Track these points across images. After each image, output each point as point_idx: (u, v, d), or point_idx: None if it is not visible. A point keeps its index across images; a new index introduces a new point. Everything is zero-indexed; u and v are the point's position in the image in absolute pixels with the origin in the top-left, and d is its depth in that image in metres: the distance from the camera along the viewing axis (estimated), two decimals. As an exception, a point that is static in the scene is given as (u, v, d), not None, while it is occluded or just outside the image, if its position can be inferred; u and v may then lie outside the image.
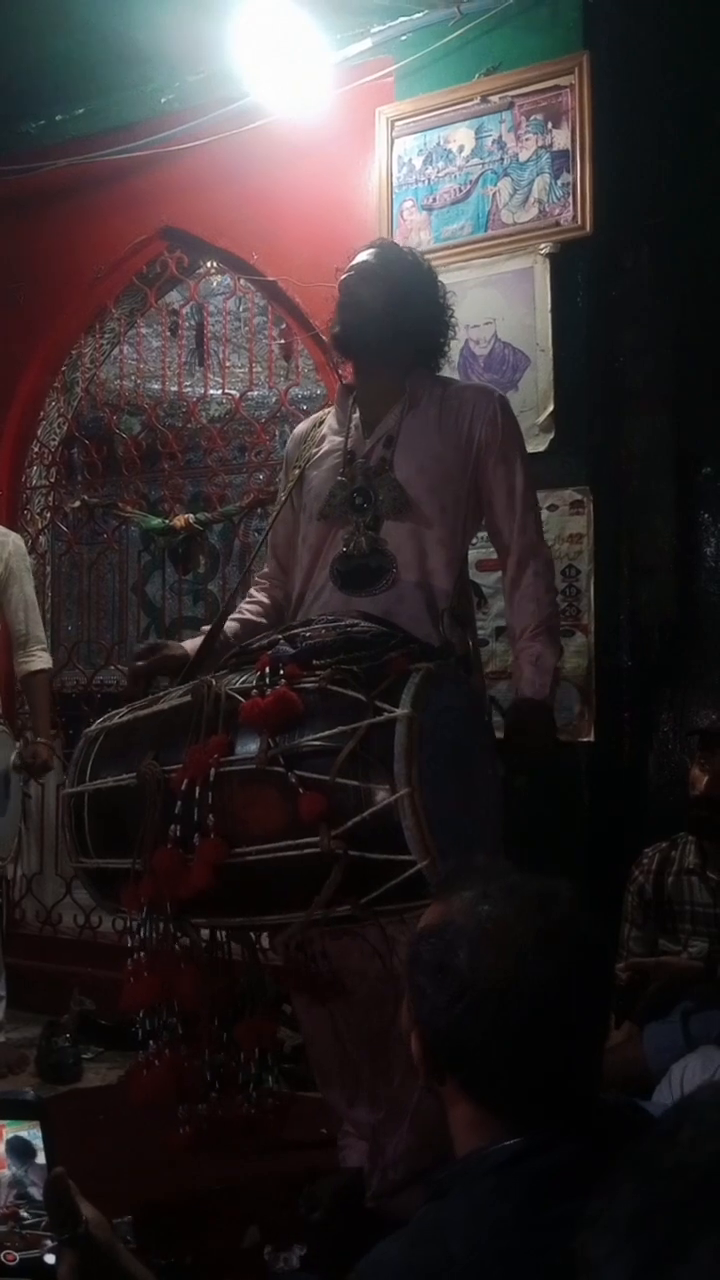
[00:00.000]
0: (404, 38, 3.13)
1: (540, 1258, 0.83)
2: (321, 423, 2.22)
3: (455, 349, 2.92)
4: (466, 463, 2.07)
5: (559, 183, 2.90)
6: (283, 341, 4.42)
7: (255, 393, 4.64)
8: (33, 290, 3.86)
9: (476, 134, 3.03)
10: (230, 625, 2.16)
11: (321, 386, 3.93)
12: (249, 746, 1.72)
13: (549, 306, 2.88)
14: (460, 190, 3.06)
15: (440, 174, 3.09)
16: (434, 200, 3.10)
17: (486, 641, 2.74)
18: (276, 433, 4.62)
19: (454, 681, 1.82)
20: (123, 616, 4.90)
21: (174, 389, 5.11)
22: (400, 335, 2.09)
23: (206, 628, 2.21)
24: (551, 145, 2.92)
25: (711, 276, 2.89)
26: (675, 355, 2.92)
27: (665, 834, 2.34)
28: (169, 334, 5.10)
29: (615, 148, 2.90)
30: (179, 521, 3.86)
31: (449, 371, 2.64)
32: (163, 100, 3.57)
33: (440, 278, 2.21)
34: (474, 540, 2.23)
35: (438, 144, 3.09)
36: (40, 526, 4.08)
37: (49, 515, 4.09)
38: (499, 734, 2.03)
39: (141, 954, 1.77)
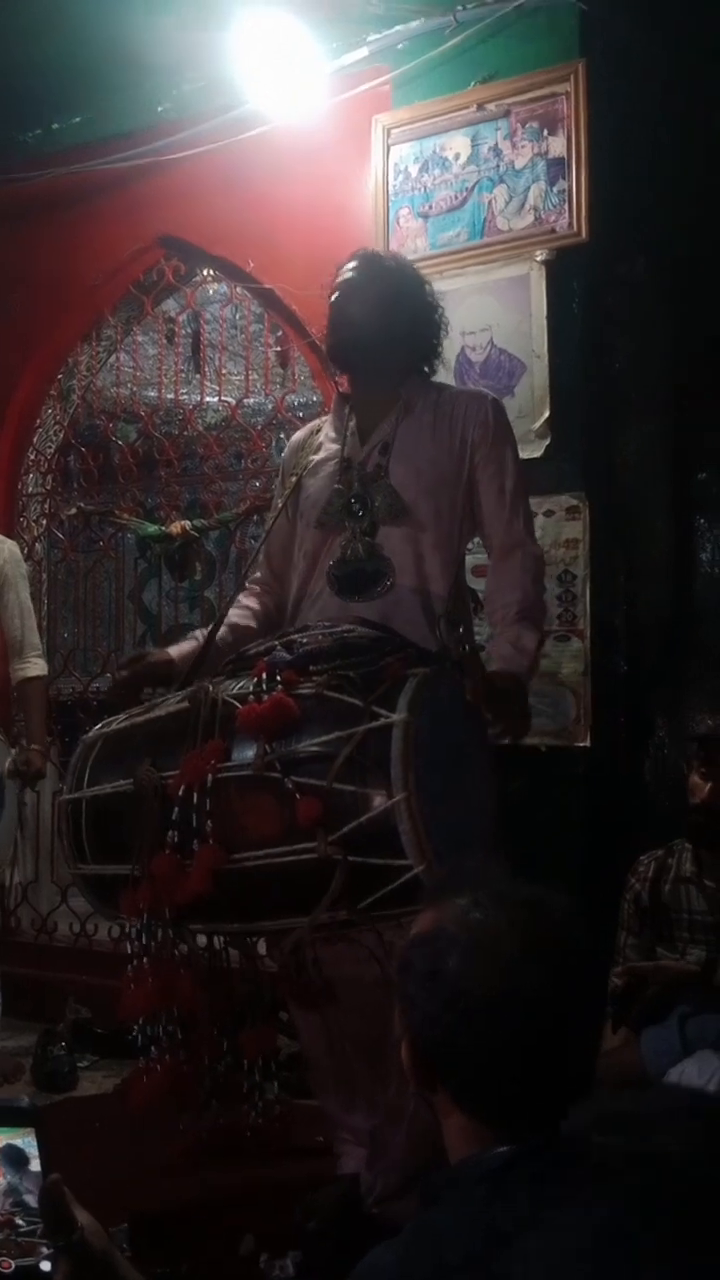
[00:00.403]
0: (400, 46, 3.14)
1: (533, 1264, 0.83)
2: (318, 431, 2.23)
3: (451, 355, 2.94)
4: (460, 466, 2.08)
5: (555, 190, 2.91)
6: (279, 349, 4.44)
7: (251, 400, 4.65)
8: (30, 298, 3.86)
9: (472, 142, 3.04)
10: (220, 632, 2.16)
11: (318, 393, 3.94)
12: (246, 752, 1.72)
13: (545, 313, 2.89)
14: (456, 197, 3.07)
15: (436, 181, 3.10)
16: (430, 207, 3.11)
17: (483, 647, 2.74)
18: (273, 440, 4.63)
19: (450, 686, 1.82)
20: (119, 623, 4.90)
21: (170, 396, 5.13)
22: (393, 344, 2.10)
23: (195, 633, 2.20)
24: (547, 153, 2.93)
25: (707, 283, 2.90)
26: (670, 361, 2.93)
27: (661, 839, 2.34)
28: (166, 342, 5.12)
29: (611, 156, 2.91)
30: (175, 528, 3.86)
31: (445, 377, 2.65)
32: (160, 109, 3.57)
33: (436, 284, 2.22)
34: (470, 546, 2.23)
35: (434, 151, 3.10)
36: (36, 534, 4.08)
37: (45, 522, 4.09)
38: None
39: (140, 960, 1.77)
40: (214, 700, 1.80)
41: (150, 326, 4.80)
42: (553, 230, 2.91)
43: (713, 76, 2.92)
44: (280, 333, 3.88)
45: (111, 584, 4.95)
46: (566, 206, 2.89)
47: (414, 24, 3.09)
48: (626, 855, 2.41)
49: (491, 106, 3.00)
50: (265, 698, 1.72)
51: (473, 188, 3.04)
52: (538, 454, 2.82)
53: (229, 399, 4.85)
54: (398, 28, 3.12)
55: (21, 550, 3.46)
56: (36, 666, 3.21)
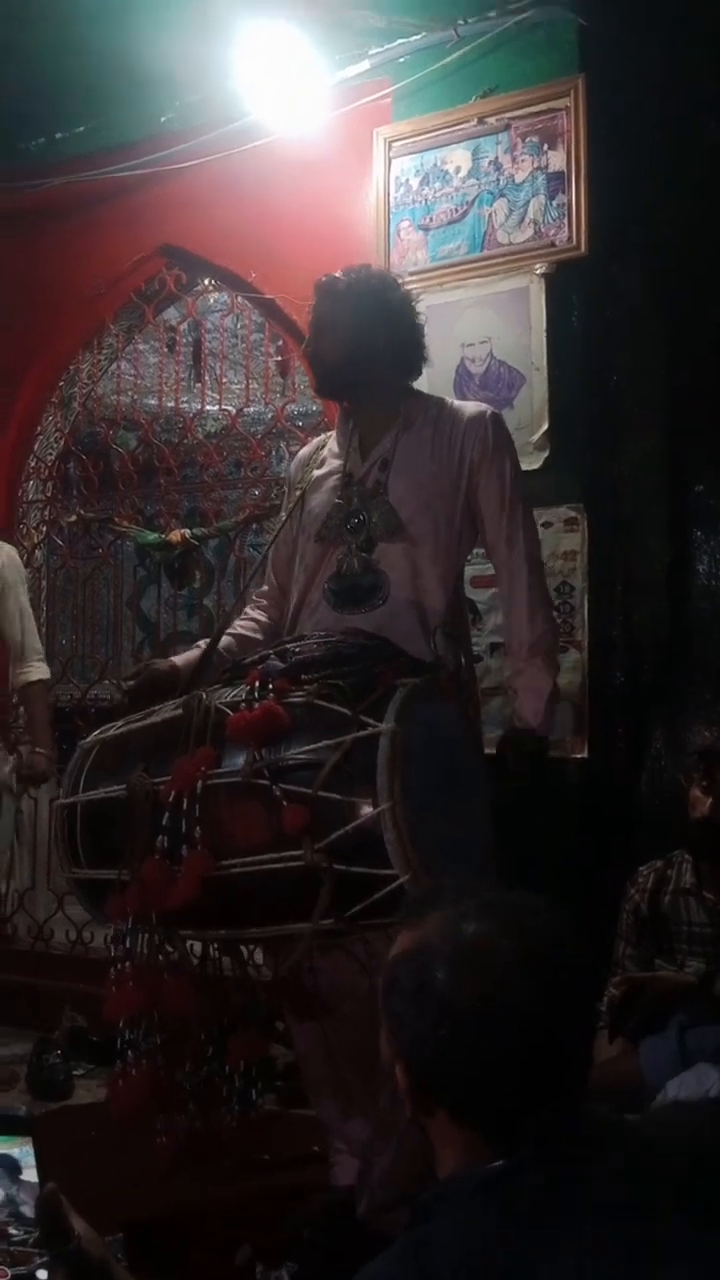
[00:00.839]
0: (402, 60, 3.16)
1: (527, 1277, 0.82)
2: (323, 446, 2.26)
3: (451, 367, 2.96)
4: (459, 481, 2.09)
5: (554, 204, 2.93)
6: (279, 358, 4.45)
7: (252, 409, 4.67)
8: (32, 305, 3.87)
9: (473, 155, 3.06)
10: (225, 640, 2.18)
11: (318, 403, 3.96)
12: (236, 759, 1.73)
13: (544, 326, 2.90)
14: (457, 210, 3.08)
15: (437, 194, 3.12)
16: (430, 220, 3.12)
17: (481, 658, 2.75)
18: (272, 449, 4.65)
19: (440, 696, 1.82)
20: (117, 631, 4.91)
21: (171, 405, 5.14)
22: (371, 368, 2.12)
23: (200, 642, 2.22)
24: (547, 167, 2.95)
25: (705, 297, 2.91)
26: (669, 375, 2.95)
27: (658, 851, 2.34)
28: (166, 350, 5.14)
29: (610, 170, 2.93)
30: (175, 536, 3.87)
31: (445, 389, 2.66)
32: (163, 119, 3.59)
33: (436, 296, 2.24)
34: (470, 557, 2.24)
35: (435, 165, 3.12)
36: (36, 541, 4.08)
37: (45, 529, 4.10)
38: (492, 750, 2.03)
39: (125, 964, 1.77)
40: (207, 707, 1.81)
41: (151, 335, 4.82)
42: (552, 244, 2.92)
43: (711, 91, 2.93)
44: (280, 342, 3.90)
45: (110, 591, 4.97)
46: (566, 220, 2.91)
47: (416, 38, 3.11)
48: (623, 866, 2.41)
49: (492, 120, 3.02)
50: (256, 705, 1.73)
51: (473, 201, 3.06)
52: (536, 466, 2.83)
53: (229, 408, 4.87)
54: (399, 41, 3.14)
55: (21, 557, 3.46)
56: (39, 670, 3.21)
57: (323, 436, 2.33)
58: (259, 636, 2.21)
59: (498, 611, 2.76)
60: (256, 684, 1.78)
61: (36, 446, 4.06)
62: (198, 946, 1.96)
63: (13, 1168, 1.04)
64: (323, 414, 3.59)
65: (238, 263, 3.52)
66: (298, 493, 2.21)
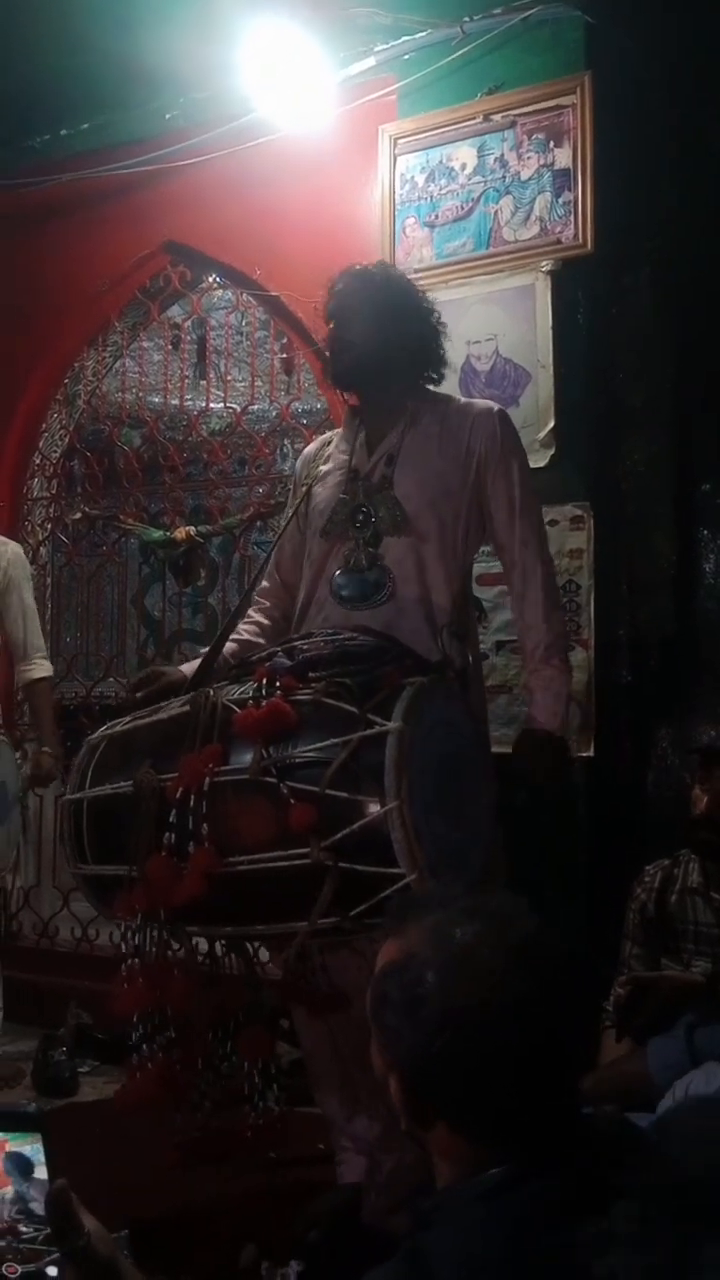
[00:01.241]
0: (407, 56, 3.15)
1: None
2: (330, 442, 2.26)
3: (457, 364, 2.95)
4: (466, 478, 2.08)
5: (560, 201, 2.92)
6: (284, 356, 4.45)
7: (256, 406, 4.66)
8: (36, 302, 3.87)
9: (479, 152, 3.06)
10: (228, 646, 2.17)
11: (322, 401, 3.95)
12: (243, 757, 1.73)
13: (550, 323, 2.90)
14: (462, 208, 3.08)
15: (442, 191, 3.11)
16: (436, 217, 3.12)
17: (487, 655, 2.75)
18: (277, 446, 4.65)
19: (447, 695, 1.82)
20: (122, 628, 4.91)
21: (175, 402, 5.14)
22: (394, 358, 2.11)
23: (205, 650, 2.22)
24: (553, 164, 2.94)
25: (712, 295, 2.90)
26: (675, 372, 2.94)
27: (665, 849, 2.34)
28: (171, 347, 5.13)
29: (616, 167, 2.92)
30: (179, 534, 3.87)
31: (450, 385, 2.66)
32: (167, 117, 3.59)
33: (441, 294, 2.24)
34: (476, 554, 2.24)
35: (440, 162, 3.11)
36: (41, 538, 4.09)
37: (50, 527, 4.10)
38: (500, 749, 2.03)
39: (134, 961, 1.77)
40: (214, 705, 1.81)
41: (156, 332, 4.82)
42: (558, 241, 2.92)
43: (717, 88, 2.93)
44: (285, 339, 3.90)
45: (115, 589, 4.97)
46: (572, 217, 2.90)
47: (421, 35, 3.10)
48: (629, 865, 2.41)
49: (498, 117, 3.01)
50: (263, 703, 1.73)
51: (479, 198, 3.05)
52: (542, 463, 2.82)
53: (234, 405, 4.87)
54: (405, 38, 3.14)
55: (26, 554, 3.46)
56: (42, 668, 3.21)
57: (329, 433, 2.33)
58: (261, 640, 2.21)
59: (503, 609, 2.76)
60: (264, 681, 1.77)
61: (41, 444, 4.06)
62: (205, 944, 1.96)
63: (25, 1165, 1.04)
64: (327, 411, 3.59)
65: (242, 260, 3.52)
66: (303, 489, 2.20)
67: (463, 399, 2.28)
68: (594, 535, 2.83)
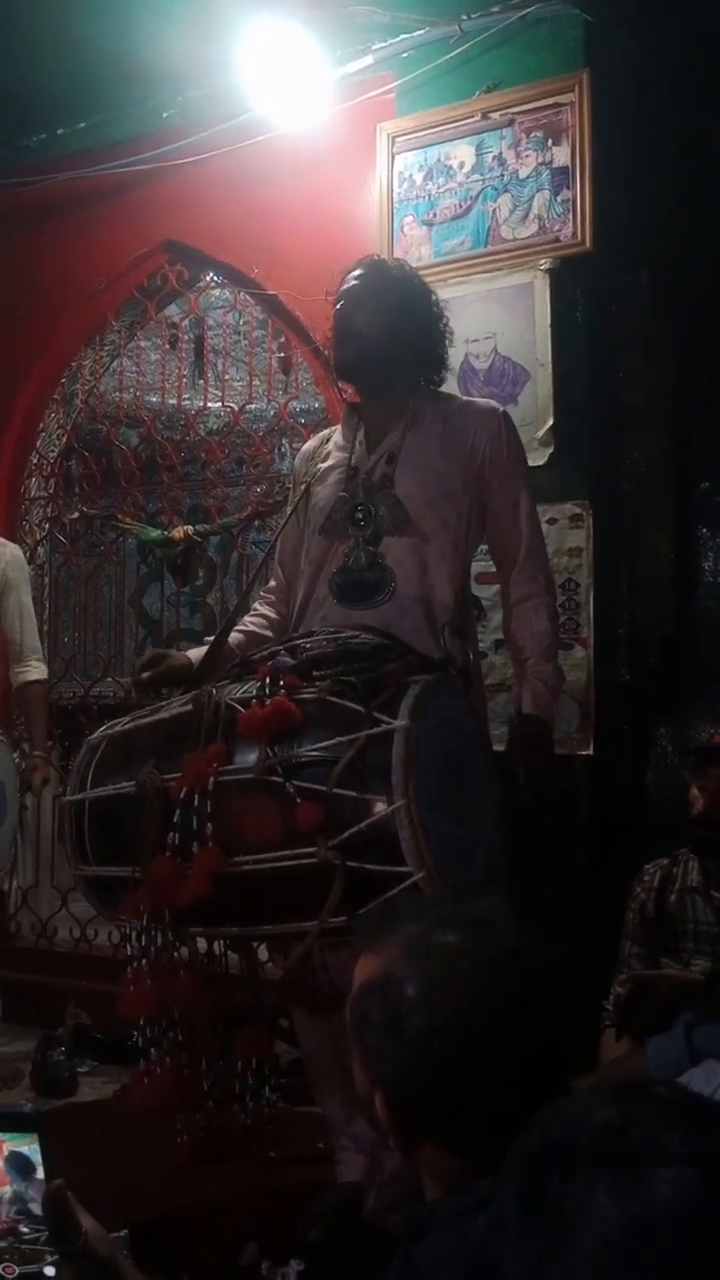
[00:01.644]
0: (405, 55, 3.15)
1: None
2: (328, 440, 2.25)
3: (456, 362, 2.93)
4: (468, 478, 2.08)
5: (559, 199, 2.92)
6: (282, 355, 4.44)
7: (254, 406, 4.66)
8: (34, 302, 3.87)
9: (477, 150, 3.05)
10: (235, 637, 2.17)
11: (321, 400, 3.95)
12: (248, 756, 1.72)
13: (549, 321, 2.89)
14: (461, 206, 3.08)
15: (441, 190, 3.11)
16: (434, 215, 3.11)
17: (486, 654, 2.74)
18: (275, 446, 4.65)
19: (452, 694, 1.82)
20: (120, 628, 4.91)
21: (173, 401, 5.15)
22: (400, 354, 2.10)
23: (210, 638, 2.21)
24: (552, 162, 2.94)
25: (712, 295, 2.90)
26: (674, 371, 2.94)
27: (664, 848, 2.34)
28: (169, 347, 5.13)
29: (615, 165, 2.92)
30: (177, 533, 3.87)
31: (449, 384, 2.65)
32: (165, 115, 3.58)
33: (440, 292, 2.23)
34: (475, 553, 2.24)
35: (438, 160, 3.11)
36: (39, 538, 4.08)
37: (47, 526, 4.09)
38: (499, 747, 2.03)
39: (140, 963, 1.77)
40: (217, 704, 1.80)
41: (153, 331, 4.81)
42: (557, 239, 2.91)
43: (716, 85, 2.92)
44: (283, 339, 3.89)
45: (113, 588, 4.97)
46: (570, 216, 2.90)
47: (419, 33, 3.10)
48: (629, 864, 2.41)
49: (496, 116, 3.01)
50: (268, 702, 1.72)
51: (477, 196, 3.05)
52: (541, 462, 2.82)
53: (231, 404, 4.86)
54: (403, 36, 3.13)
55: (24, 554, 3.46)
56: (37, 670, 3.21)
57: (327, 431, 2.32)
58: (268, 633, 2.20)
59: (502, 608, 2.76)
60: (267, 680, 1.77)
61: (39, 443, 4.06)
62: (204, 943, 1.96)
63: (25, 1166, 1.03)
64: (325, 410, 3.58)
65: (240, 259, 3.51)
66: (302, 487, 2.19)
67: (464, 398, 2.28)
68: (593, 534, 2.83)
